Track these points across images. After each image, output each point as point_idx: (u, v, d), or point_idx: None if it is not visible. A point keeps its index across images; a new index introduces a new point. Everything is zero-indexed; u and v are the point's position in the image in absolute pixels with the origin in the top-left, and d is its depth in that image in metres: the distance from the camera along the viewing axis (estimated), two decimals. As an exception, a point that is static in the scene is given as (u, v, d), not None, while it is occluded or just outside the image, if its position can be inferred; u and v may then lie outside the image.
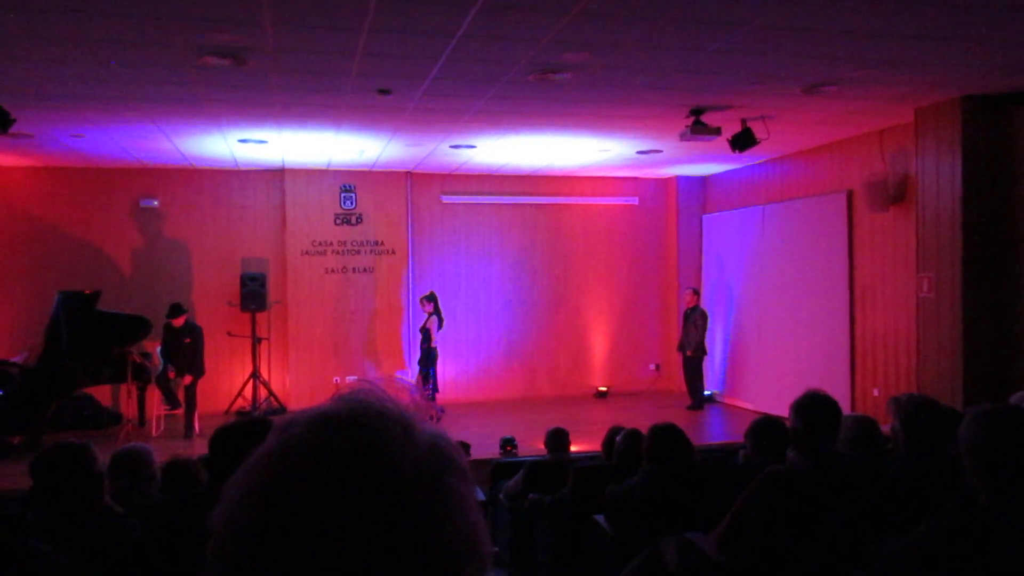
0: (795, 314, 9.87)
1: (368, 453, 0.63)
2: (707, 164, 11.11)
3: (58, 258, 10.28)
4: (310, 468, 0.62)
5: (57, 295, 9.15)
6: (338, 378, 10.88)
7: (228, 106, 7.04)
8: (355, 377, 9.65)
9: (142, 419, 9.58)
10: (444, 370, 11.18)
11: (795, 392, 3.00)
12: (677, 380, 11.96)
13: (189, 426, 9.17)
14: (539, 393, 11.80)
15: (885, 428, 3.60)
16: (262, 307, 10.45)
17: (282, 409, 10.33)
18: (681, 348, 10.89)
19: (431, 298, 9.79)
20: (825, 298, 9.36)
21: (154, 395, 9.47)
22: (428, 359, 9.71)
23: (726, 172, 11.66)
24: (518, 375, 11.82)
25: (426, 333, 9.79)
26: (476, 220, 11.70)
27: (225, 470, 2.17)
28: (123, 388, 9.76)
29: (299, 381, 10.85)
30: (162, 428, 9.52)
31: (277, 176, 10.93)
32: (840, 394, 8.61)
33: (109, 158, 9.78)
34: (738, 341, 11.07)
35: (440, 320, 9.76)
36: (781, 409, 6.14)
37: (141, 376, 9.40)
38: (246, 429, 2.36)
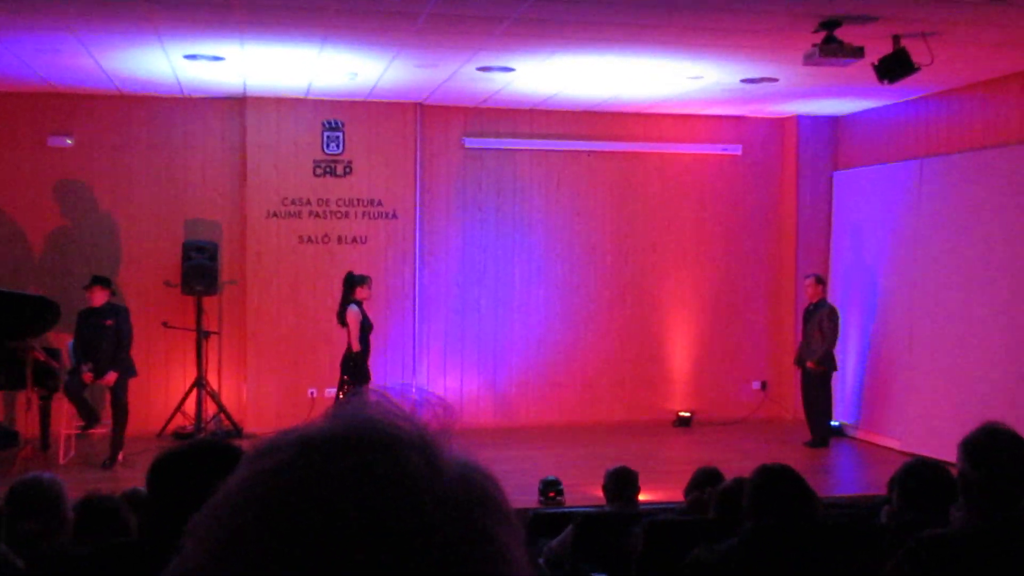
0: (966, 315, 9.87)
1: (380, 488, 0.65)
2: (841, 100, 11.12)
3: (-71, 216, 10.56)
4: (304, 508, 0.64)
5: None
6: (314, 390, 10.99)
7: (172, 7, 7.08)
8: (335, 390, 10.09)
9: (45, 440, 9.69)
10: (463, 384, 11.44)
11: (964, 426, 3.02)
12: (792, 404, 11.99)
13: (116, 447, 9.29)
14: (595, 418, 11.85)
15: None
16: (211, 289, 10.54)
17: (236, 431, 10.47)
18: (799, 360, 10.98)
19: (347, 281, 9.94)
20: (1013, 293, 9.34)
21: (63, 407, 9.53)
22: (348, 368, 9.83)
23: (868, 111, 11.62)
24: (566, 392, 11.87)
25: (366, 330, 9.95)
26: (512, 173, 11.75)
27: (169, 512, 2.19)
28: (20, 397, 9.88)
29: (261, 393, 10.99)
30: (72, 453, 9.63)
31: (236, 107, 11.03)
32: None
33: (6, 78, 9.83)
34: (881, 351, 11.08)
35: (362, 316, 9.81)
36: (943, 450, 6.19)
37: (45, 381, 9.50)
38: (202, 456, 2.42)
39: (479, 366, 11.65)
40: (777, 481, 3.71)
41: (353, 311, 9.84)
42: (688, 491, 5.45)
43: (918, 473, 3.88)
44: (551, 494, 7.93)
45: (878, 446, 10.74)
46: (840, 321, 10.86)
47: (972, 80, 9.74)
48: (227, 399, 10.87)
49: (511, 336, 11.75)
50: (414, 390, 0.77)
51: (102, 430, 9.63)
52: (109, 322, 9.33)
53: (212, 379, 10.82)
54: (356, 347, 9.80)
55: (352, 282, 9.96)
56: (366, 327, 9.92)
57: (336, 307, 10.12)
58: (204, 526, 0.67)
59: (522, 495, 7.86)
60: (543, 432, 11.30)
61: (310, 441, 0.68)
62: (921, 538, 2.82)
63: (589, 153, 11.88)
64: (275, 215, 11.07)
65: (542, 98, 10.92)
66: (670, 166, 12.14)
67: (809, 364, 10.71)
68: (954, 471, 2.98)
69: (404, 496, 0.65)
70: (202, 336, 10.52)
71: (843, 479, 10.03)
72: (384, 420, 0.70)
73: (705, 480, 5.37)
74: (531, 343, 11.79)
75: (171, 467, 2.45)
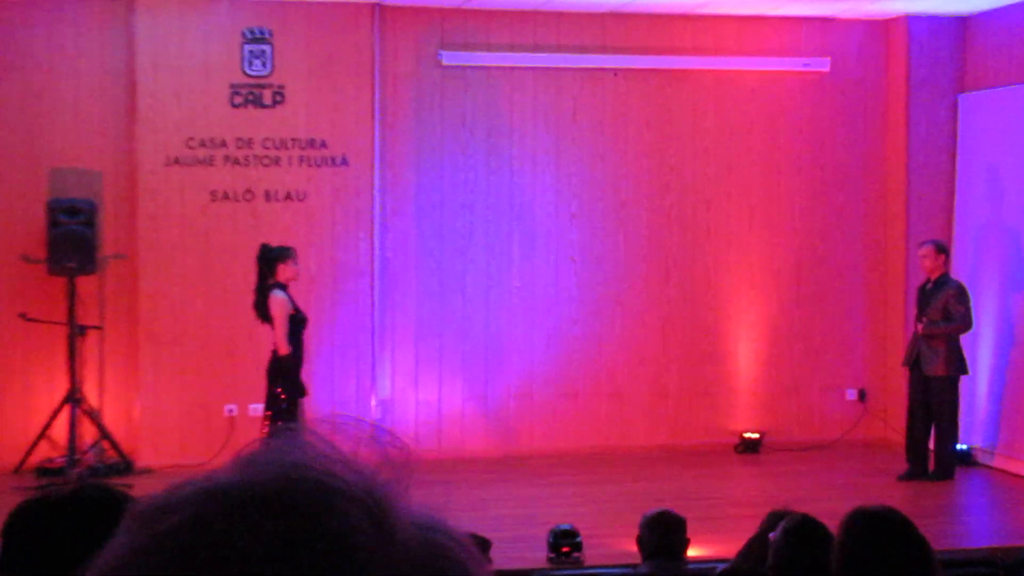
0: None
1: (311, 560, 0.70)
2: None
3: None
4: None
5: None
6: (234, 407, 10.96)
7: None
8: (261, 406, 10.16)
9: None
10: (443, 397, 11.54)
11: None
12: (902, 422, 11.53)
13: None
14: (627, 442, 11.86)
15: None
16: (89, 266, 10.51)
17: (126, 466, 10.45)
18: (911, 361, 10.91)
19: (263, 257, 9.92)
20: None
21: None
22: (277, 378, 9.85)
23: (1010, 8, 11.44)
24: (584, 406, 11.88)
25: (296, 327, 9.95)
26: (508, 101, 11.73)
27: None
28: None
29: (159, 412, 10.94)
30: None
31: (121, 11, 10.95)
32: None
33: None
34: None
35: (291, 306, 9.85)
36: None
37: None
38: (75, 510, 2.51)
39: (464, 372, 11.66)
40: (878, 530, 3.78)
41: (279, 299, 9.74)
42: (753, 543, 5.42)
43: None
44: (565, 549, 7.94)
45: (1023, 478, 10.75)
46: (972, 304, 10.80)
47: None
48: (112, 421, 10.83)
49: (509, 329, 11.76)
50: (357, 421, 0.83)
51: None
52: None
53: (91, 393, 10.77)
54: (284, 349, 9.75)
55: (270, 258, 9.82)
56: (296, 321, 9.87)
57: (248, 288, 10.03)
58: None
59: (525, 551, 8.09)
60: (554, 463, 11.30)
61: (216, 497, 0.74)
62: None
63: (616, 72, 11.84)
64: (177, 162, 10.99)
65: (551, -6, 10.90)
66: (729, 89, 12.11)
67: (927, 368, 10.71)
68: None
69: (343, 572, 0.71)
70: (76, 332, 10.48)
71: (974, 524, 10.16)
72: (317, 467, 0.75)
73: (774, 526, 5.31)
74: (537, 339, 11.80)
75: (32, 524, 2.53)
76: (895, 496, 9.17)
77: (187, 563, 0.69)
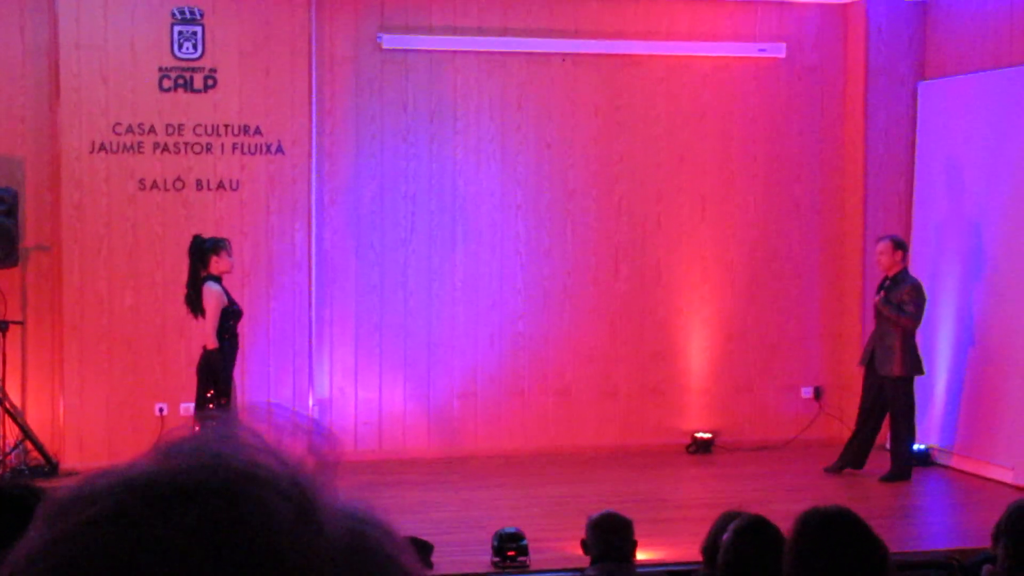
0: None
1: (233, 552, 0.70)
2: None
3: None
4: None
5: None
6: (164, 406, 10.93)
7: None
8: (192, 405, 10.27)
9: None
10: (383, 396, 11.53)
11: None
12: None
13: None
14: (574, 442, 11.85)
15: None
16: (10, 258, 10.48)
17: (50, 467, 10.51)
18: (868, 360, 10.93)
19: (194, 249, 9.92)
20: None
21: None
22: (208, 374, 9.83)
23: None
24: (530, 405, 11.90)
25: (230, 320, 9.94)
26: (451, 87, 11.73)
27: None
28: None
29: (86, 411, 10.89)
30: None
31: None
32: None
33: None
34: (988, 346, 11.11)
35: (226, 299, 9.84)
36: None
37: None
38: None
39: (406, 370, 11.63)
40: (831, 531, 3.78)
41: (214, 290, 9.71)
42: (708, 546, 5.41)
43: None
44: (510, 553, 7.93)
45: (981, 478, 10.77)
46: (926, 302, 10.79)
47: None
48: (35, 421, 10.83)
49: (452, 325, 11.74)
50: (286, 411, 0.81)
51: None
52: None
53: (13, 391, 10.76)
54: (212, 343, 9.74)
55: (203, 250, 9.79)
56: (230, 315, 9.85)
57: (178, 280, 10.11)
58: None
59: (467, 555, 8.18)
60: (499, 464, 11.32)
61: (134, 487, 0.74)
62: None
63: (564, 57, 11.83)
64: (103, 149, 10.91)
65: (495, -26, 11.12)
66: (682, 76, 12.08)
67: (884, 367, 10.75)
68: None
69: (267, 561, 0.71)
70: None
71: (931, 526, 10.13)
72: (239, 457, 0.76)
73: (726, 529, 5.34)
74: (481, 335, 11.78)
75: None
76: (851, 497, 9.28)
77: (105, 554, 0.70)
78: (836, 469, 10.80)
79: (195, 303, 9.72)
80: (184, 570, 0.69)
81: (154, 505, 0.71)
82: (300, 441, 0.80)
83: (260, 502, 0.72)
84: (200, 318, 9.76)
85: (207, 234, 9.92)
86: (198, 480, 0.73)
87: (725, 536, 4.79)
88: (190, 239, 9.94)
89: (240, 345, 10.01)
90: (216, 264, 9.70)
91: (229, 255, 9.83)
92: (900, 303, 10.69)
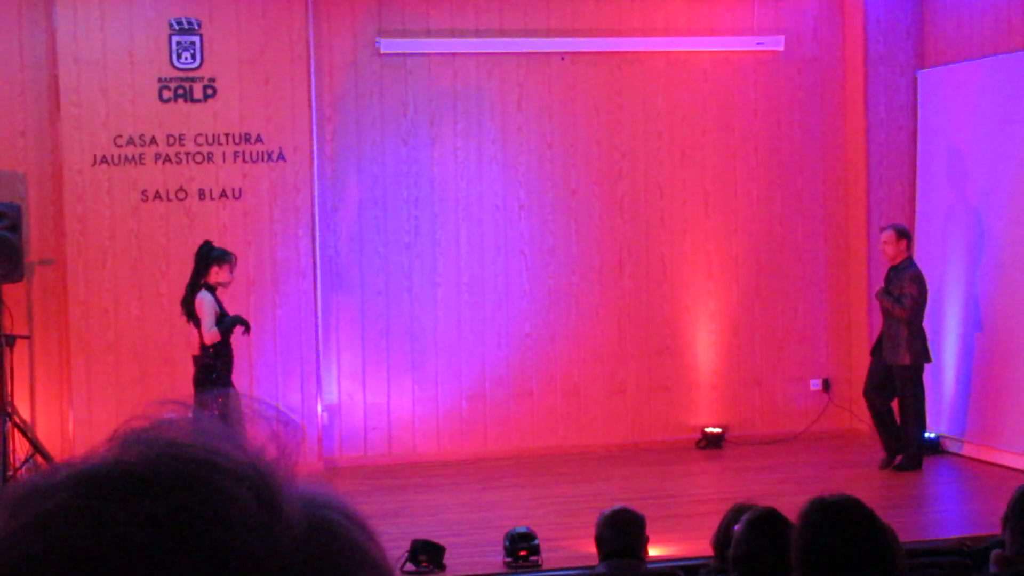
0: None
1: (193, 542, 0.70)
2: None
3: None
4: (83, 575, 0.70)
5: None
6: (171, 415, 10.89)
7: None
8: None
9: None
10: (391, 399, 11.54)
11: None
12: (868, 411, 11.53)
13: None
14: (584, 441, 11.89)
15: None
16: (15, 273, 10.40)
17: None
18: (879, 351, 10.94)
19: (201, 254, 9.89)
20: None
21: None
22: (204, 385, 9.74)
23: None
24: (539, 405, 11.92)
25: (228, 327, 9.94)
26: (451, 89, 11.74)
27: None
28: None
29: (94, 423, 10.79)
30: None
31: (40, 1, 10.93)
32: None
33: None
34: (996, 333, 11.11)
35: (218, 308, 9.80)
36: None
37: None
38: None
39: (414, 373, 11.62)
40: (837, 520, 3.78)
41: (206, 300, 9.69)
42: (718, 539, 5.47)
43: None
44: (522, 552, 7.92)
45: (992, 465, 10.75)
46: (927, 290, 10.83)
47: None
48: (44, 434, 10.74)
49: (458, 327, 11.72)
50: (245, 400, 0.85)
51: None
52: None
53: (21, 405, 10.66)
54: (209, 339, 9.73)
55: (208, 257, 9.79)
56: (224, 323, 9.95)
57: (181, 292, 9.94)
58: None
59: (481, 556, 8.20)
60: (509, 465, 11.33)
61: (91, 479, 0.74)
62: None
63: (563, 56, 11.83)
64: (105, 161, 10.93)
65: (493, -25, 11.22)
66: (680, 71, 12.08)
67: (892, 357, 10.74)
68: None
69: (227, 550, 0.71)
70: (4, 343, 10.39)
71: (943, 514, 10.13)
72: (199, 445, 0.76)
73: (736, 521, 5.39)
74: (488, 336, 11.79)
75: None
76: (863, 487, 9.12)
77: (64, 546, 0.70)
78: (889, 462, 10.73)
79: (189, 307, 9.72)
80: (144, 560, 0.69)
81: (113, 496, 0.71)
82: (262, 429, 0.80)
83: (219, 490, 0.73)
84: (192, 323, 9.73)
85: (216, 244, 9.93)
86: (156, 470, 0.73)
87: (737, 528, 4.83)
88: (199, 245, 9.95)
89: (236, 356, 9.95)
90: (216, 274, 9.71)
91: (231, 270, 9.83)
92: (900, 293, 10.71)
